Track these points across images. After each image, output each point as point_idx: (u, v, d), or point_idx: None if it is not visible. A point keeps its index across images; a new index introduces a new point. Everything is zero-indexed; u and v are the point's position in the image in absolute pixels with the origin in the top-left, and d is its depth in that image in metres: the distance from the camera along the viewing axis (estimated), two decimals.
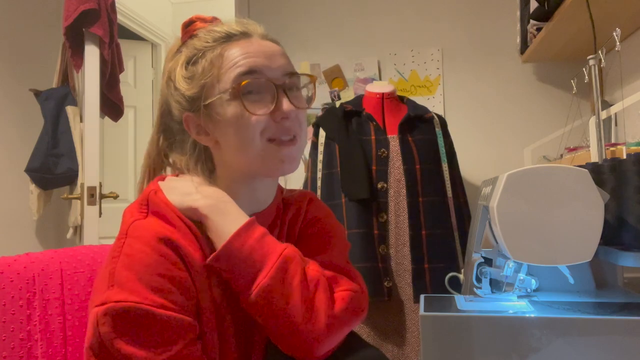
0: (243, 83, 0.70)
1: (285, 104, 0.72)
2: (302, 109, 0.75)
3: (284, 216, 0.83)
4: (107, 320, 0.62)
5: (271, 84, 0.72)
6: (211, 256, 0.69)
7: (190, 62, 0.75)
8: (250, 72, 0.71)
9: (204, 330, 0.69)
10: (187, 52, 0.76)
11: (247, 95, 0.71)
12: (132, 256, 0.65)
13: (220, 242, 0.70)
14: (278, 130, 0.72)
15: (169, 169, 0.84)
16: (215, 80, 0.72)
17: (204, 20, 0.79)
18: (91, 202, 1.72)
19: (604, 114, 1.37)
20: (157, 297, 0.63)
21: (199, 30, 0.77)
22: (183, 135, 0.79)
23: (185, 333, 0.65)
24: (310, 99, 0.79)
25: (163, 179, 0.78)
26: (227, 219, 0.71)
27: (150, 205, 0.72)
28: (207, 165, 0.79)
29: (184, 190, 0.74)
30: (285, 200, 0.85)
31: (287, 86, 0.73)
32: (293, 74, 0.75)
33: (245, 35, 0.75)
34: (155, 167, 0.83)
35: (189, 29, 0.78)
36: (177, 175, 0.80)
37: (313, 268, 0.72)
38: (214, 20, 0.79)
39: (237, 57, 0.72)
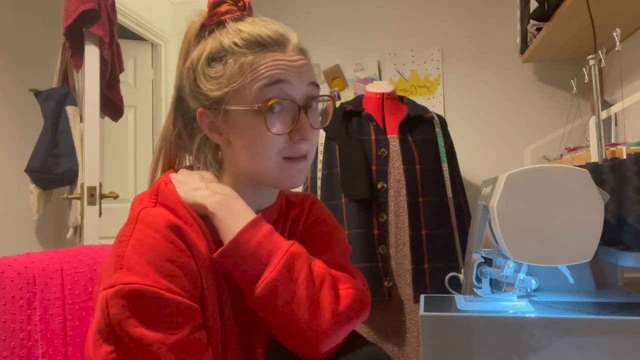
0: (270, 103, 0.70)
1: (306, 126, 0.73)
2: (318, 129, 0.76)
3: (287, 216, 0.84)
4: (117, 302, 0.62)
5: (295, 105, 0.72)
6: (218, 251, 0.69)
7: (217, 59, 0.73)
8: (276, 82, 0.71)
9: (208, 319, 0.69)
10: (213, 45, 0.73)
11: (269, 112, 0.71)
12: (142, 241, 0.66)
13: (226, 238, 0.70)
14: (293, 149, 0.73)
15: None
16: (242, 88, 0.71)
17: (234, 1, 0.76)
18: (91, 202, 1.72)
19: (604, 114, 1.37)
20: (165, 281, 0.64)
21: (228, 19, 0.75)
22: (194, 123, 0.79)
23: (192, 319, 0.66)
24: (326, 117, 0.79)
25: (175, 172, 0.79)
26: (234, 215, 0.72)
27: (159, 195, 0.73)
28: (215, 158, 0.80)
29: (193, 185, 0.74)
30: (288, 201, 0.85)
31: (308, 106, 0.73)
32: (316, 93, 0.75)
33: (280, 45, 0.73)
34: (170, 151, 0.82)
35: (217, 10, 0.75)
36: (190, 169, 0.80)
37: (319, 265, 0.73)
38: (241, 2, 0.77)
39: (268, 68, 0.71)
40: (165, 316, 0.63)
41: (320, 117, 0.78)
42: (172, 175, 0.77)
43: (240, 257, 0.69)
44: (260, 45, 0.72)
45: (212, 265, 0.71)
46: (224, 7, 0.75)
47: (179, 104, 0.80)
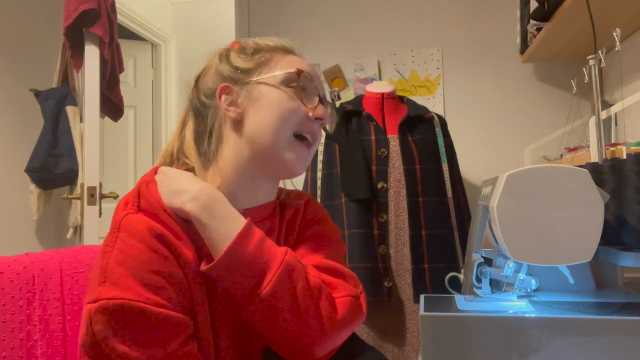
0: (301, 73, 0.77)
1: (325, 110, 0.79)
2: (327, 122, 0.81)
3: (282, 218, 0.83)
4: (100, 318, 0.61)
5: (317, 91, 0.80)
6: (209, 265, 0.67)
7: (247, 51, 0.79)
8: (302, 74, 0.78)
9: (199, 328, 0.68)
10: (245, 43, 0.81)
11: (297, 87, 0.77)
12: (125, 252, 0.64)
13: (214, 246, 0.68)
14: (306, 127, 0.77)
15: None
16: (273, 65, 0.78)
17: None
18: (91, 202, 1.72)
19: (604, 114, 1.37)
20: (151, 294, 0.62)
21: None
22: (204, 118, 0.80)
23: (180, 331, 0.64)
24: (332, 123, 0.86)
25: (157, 170, 0.76)
26: (221, 222, 0.69)
27: (141, 199, 0.70)
28: (216, 149, 0.79)
29: (174, 187, 0.71)
30: (283, 202, 0.85)
31: (322, 101, 0.81)
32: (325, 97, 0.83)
33: (300, 55, 0.83)
34: (176, 152, 0.83)
35: (236, 43, 0.84)
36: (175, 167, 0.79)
37: (313, 274, 0.71)
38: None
39: (297, 61, 0.80)
40: (151, 331, 0.62)
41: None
42: (157, 175, 0.75)
43: (233, 271, 0.67)
44: (285, 49, 0.81)
45: (201, 273, 0.69)
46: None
47: (192, 107, 0.82)
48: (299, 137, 0.77)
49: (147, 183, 0.72)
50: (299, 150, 0.77)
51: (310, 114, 0.77)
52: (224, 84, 0.78)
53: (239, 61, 0.79)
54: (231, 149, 0.77)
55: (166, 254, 0.66)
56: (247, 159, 0.76)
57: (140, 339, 0.61)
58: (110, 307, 0.61)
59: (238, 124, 0.77)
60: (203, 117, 0.80)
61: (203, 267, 0.68)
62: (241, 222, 0.69)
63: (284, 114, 0.75)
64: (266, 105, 0.75)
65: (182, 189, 0.71)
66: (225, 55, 0.81)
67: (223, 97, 0.77)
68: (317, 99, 0.79)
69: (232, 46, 0.82)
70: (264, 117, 0.75)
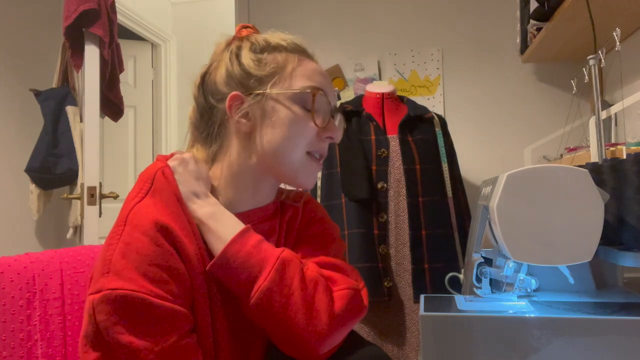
0: (316, 94, 0.75)
1: (335, 127, 0.78)
2: (338, 139, 0.81)
3: (283, 217, 0.83)
4: (103, 308, 0.62)
5: (329, 108, 0.78)
6: (210, 264, 0.70)
7: (262, 50, 0.77)
8: (320, 89, 0.76)
9: (199, 323, 0.69)
10: (256, 40, 0.78)
11: (314, 102, 0.75)
12: (129, 244, 0.65)
13: (216, 248, 0.71)
14: (318, 145, 0.77)
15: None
16: (287, 75, 0.75)
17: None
18: (91, 202, 1.72)
19: (604, 114, 1.37)
20: (153, 286, 0.63)
21: (257, 33, 0.81)
22: (210, 119, 0.79)
23: (181, 324, 0.65)
24: (340, 134, 0.85)
25: (167, 157, 0.78)
26: (223, 226, 0.72)
27: (155, 183, 0.72)
28: (220, 152, 0.79)
29: (192, 188, 0.74)
30: (283, 203, 0.85)
31: (334, 113, 0.80)
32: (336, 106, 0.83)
33: (312, 57, 0.80)
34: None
35: (242, 31, 0.81)
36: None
37: (311, 269, 0.72)
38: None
39: (312, 71, 0.77)
40: (152, 322, 0.63)
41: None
42: (171, 162, 0.76)
43: (231, 268, 0.69)
44: (301, 50, 0.78)
45: (203, 268, 0.71)
46: (249, 30, 0.81)
47: (201, 93, 0.81)
48: (312, 156, 0.78)
49: (163, 172, 0.74)
50: (313, 167, 0.78)
51: (322, 134, 0.77)
52: (234, 93, 0.75)
53: (251, 65, 0.75)
54: (237, 154, 0.78)
55: (169, 249, 0.67)
56: (253, 165, 0.77)
57: (142, 329, 0.62)
58: (113, 297, 0.62)
59: (247, 135, 0.77)
60: (209, 117, 0.80)
61: (207, 268, 0.70)
62: (241, 226, 0.73)
63: (296, 135, 0.75)
64: (279, 124, 0.74)
65: (200, 191, 0.74)
66: (235, 53, 0.78)
67: (233, 106, 0.76)
68: (329, 115, 0.78)
69: (238, 34, 0.80)
70: (276, 136, 0.74)
